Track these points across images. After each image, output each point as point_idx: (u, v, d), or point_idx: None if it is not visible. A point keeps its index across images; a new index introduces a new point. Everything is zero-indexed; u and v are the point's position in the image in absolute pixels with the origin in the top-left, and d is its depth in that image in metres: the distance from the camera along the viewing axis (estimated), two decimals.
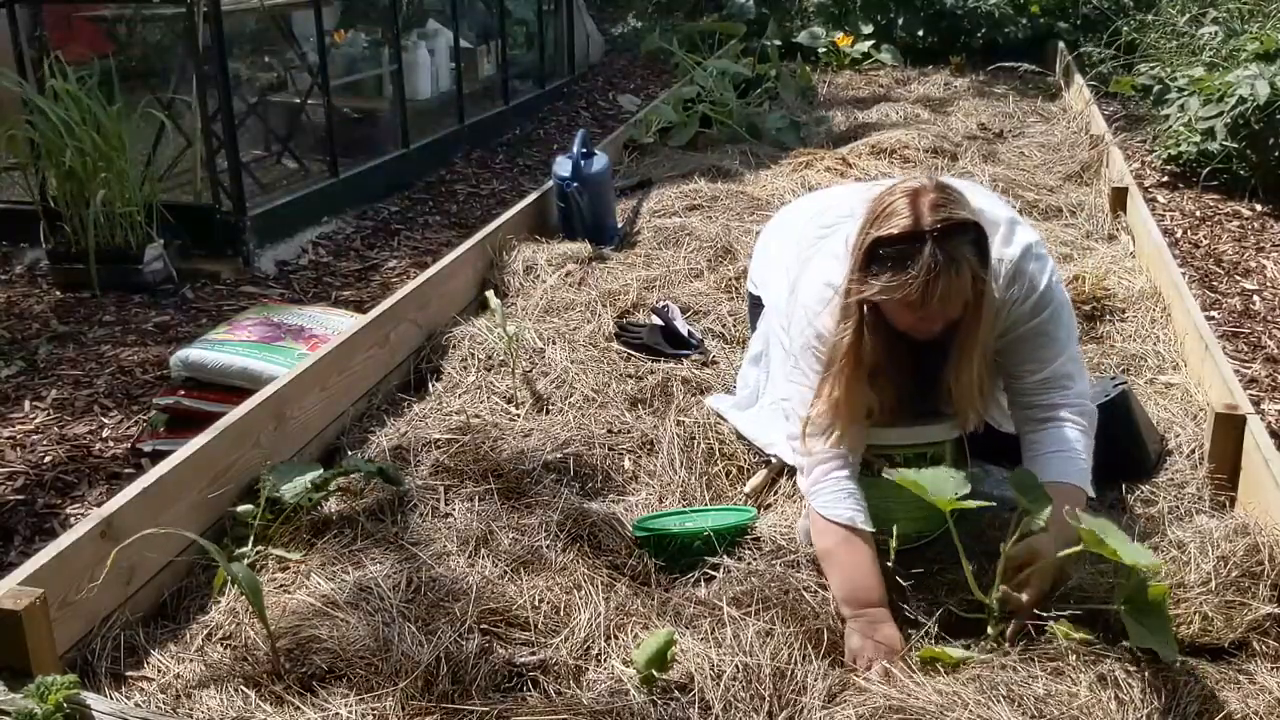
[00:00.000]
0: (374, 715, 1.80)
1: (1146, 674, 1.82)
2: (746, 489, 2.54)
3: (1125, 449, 2.51)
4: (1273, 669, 1.90)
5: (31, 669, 1.74)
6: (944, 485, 1.95)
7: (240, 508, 2.33)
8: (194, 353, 3.14)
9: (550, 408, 2.88)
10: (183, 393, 3.12)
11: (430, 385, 3.05)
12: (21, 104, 4.38)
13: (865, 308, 2.05)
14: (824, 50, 8.66)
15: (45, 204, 4.42)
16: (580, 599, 2.08)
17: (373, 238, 5.09)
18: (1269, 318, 3.96)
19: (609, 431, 2.72)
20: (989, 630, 1.98)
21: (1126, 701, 1.78)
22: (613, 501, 2.48)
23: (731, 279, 3.67)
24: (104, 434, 3.23)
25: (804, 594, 2.08)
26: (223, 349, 3.14)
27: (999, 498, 2.19)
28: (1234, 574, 2.01)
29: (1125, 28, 7.04)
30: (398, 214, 5.45)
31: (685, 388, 2.92)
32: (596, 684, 1.90)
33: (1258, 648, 1.94)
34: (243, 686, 1.87)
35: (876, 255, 1.97)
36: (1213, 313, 3.96)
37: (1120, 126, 6.01)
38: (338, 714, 1.80)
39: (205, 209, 4.57)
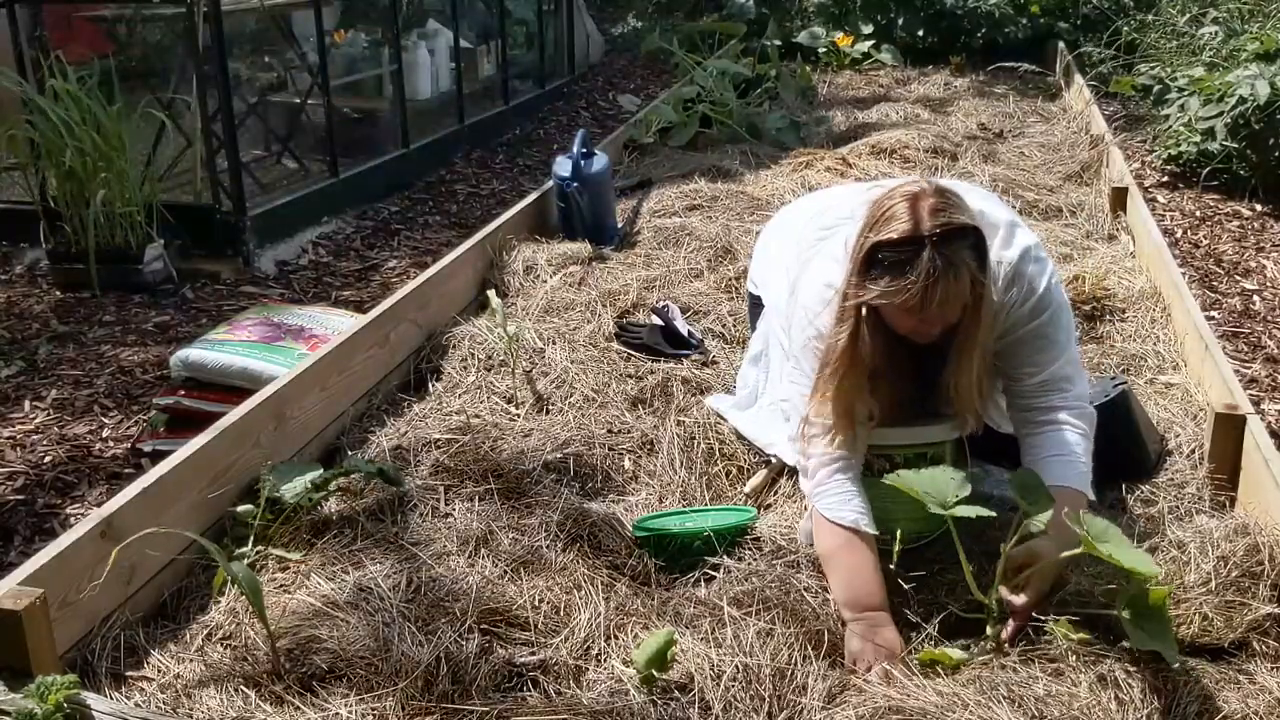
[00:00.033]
0: (374, 715, 1.80)
1: (1147, 674, 1.82)
2: (746, 489, 2.54)
3: (1125, 449, 2.51)
4: (1273, 669, 1.90)
5: (31, 669, 1.74)
6: (944, 486, 1.96)
7: (240, 508, 2.33)
8: (194, 353, 3.14)
9: (550, 408, 2.88)
10: (183, 393, 3.12)
11: (430, 385, 3.05)
12: (21, 104, 4.38)
13: (864, 311, 2.05)
14: (824, 50, 8.66)
15: (45, 204, 4.42)
16: (580, 599, 2.08)
17: (373, 238, 5.09)
18: (1269, 318, 3.96)
19: (609, 431, 2.72)
20: (988, 631, 1.98)
21: (1127, 702, 1.78)
22: (613, 501, 2.48)
23: (731, 279, 3.67)
24: (104, 434, 3.23)
25: (804, 595, 2.09)
26: (223, 349, 3.14)
27: (999, 498, 2.19)
28: (1234, 574, 2.01)
29: (1125, 28, 7.04)
30: (398, 214, 5.45)
31: (685, 388, 2.92)
32: (596, 684, 1.90)
33: (1258, 648, 1.94)
34: (243, 686, 1.87)
35: (875, 260, 1.97)
36: (1213, 313, 3.96)
37: (1120, 126, 6.01)
38: (338, 714, 1.80)
39: (205, 209, 4.57)
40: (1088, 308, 3.42)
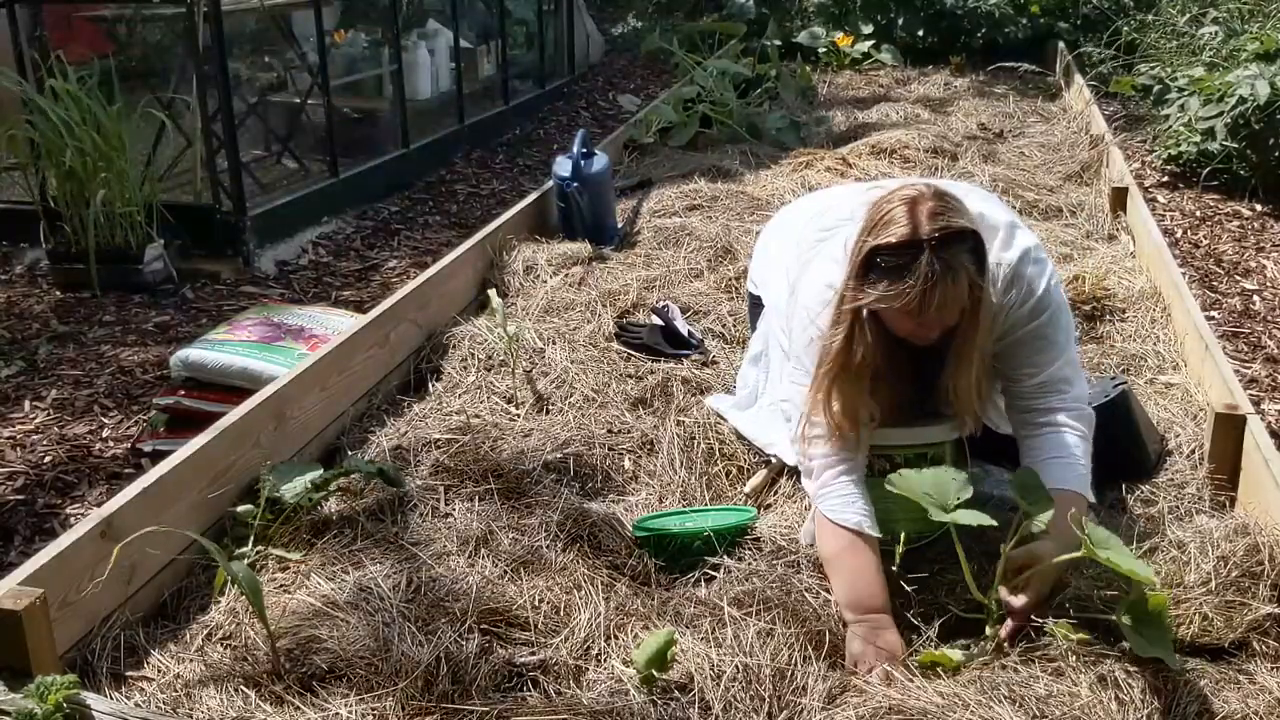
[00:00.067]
0: (374, 715, 1.80)
1: (1147, 674, 1.82)
2: (746, 489, 2.54)
3: (1125, 449, 2.51)
4: (1273, 669, 1.90)
5: (31, 669, 1.74)
6: (946, 488, 1.96)
7: (240, 508, 2.33)
8: (194, 353, 3.14)
9: (550, 408, 2.88)
10: (183, 393, 3.12)
11: (430, 385, 3.05)
12: (21, 104, 4.38)
13: (863, 314, 2.05)
14: (824, 50, 8.66)
15: (45, 204, 4.42)
16: (580, 599, 2.08)
17: (373, 238, 5.09)
18: (1269, 318, 3.96)
19: (609, 431, 2.72)
20: (987, 631, 1.98)
21: (1127, 702, 1.78)
22: (613, 501, 2.48)
23: (731, 279, 3.67)
24: (104, 434, 3.23)
25: (805, 595, 2.09)
26: (223, 349, 3.14)
27: (999, 498, 2.19)
28: (1234, 574, 2.01)
29: (1125, 28, 7.04)
30: (398, 214, 5.45)
31: (685, 388, 2.92)
32: (596, 684, 1.90)
33: (1258, 648, 1.94)
34: (243, 686, 1.87)
35: (874, 264, 1.97)
36: (1213, 313, 3.96)
37: (1120, 126, 6.01)
38: (338, 714, 1.80)
39: (205, 209, 4.57)
40: (1088, 308, 3.42)
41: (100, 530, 1.99)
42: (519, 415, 2.84)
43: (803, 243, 2.43)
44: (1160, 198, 5.30)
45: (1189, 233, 4.85)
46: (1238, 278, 4.34)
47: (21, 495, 2.90)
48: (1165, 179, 5.55)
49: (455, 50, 6.60)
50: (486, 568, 2.15)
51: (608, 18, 10.41)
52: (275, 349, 3.16)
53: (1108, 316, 3.41)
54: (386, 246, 4.97)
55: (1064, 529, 1.93)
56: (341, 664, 1.89)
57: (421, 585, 2.08)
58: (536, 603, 2.06)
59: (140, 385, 3.53)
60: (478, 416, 2.80)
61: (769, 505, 2.48)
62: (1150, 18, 7.26)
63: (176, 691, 1.87)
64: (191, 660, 1.96)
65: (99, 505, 2.21)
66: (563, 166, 4.19)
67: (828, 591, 2.11)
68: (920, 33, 8.67)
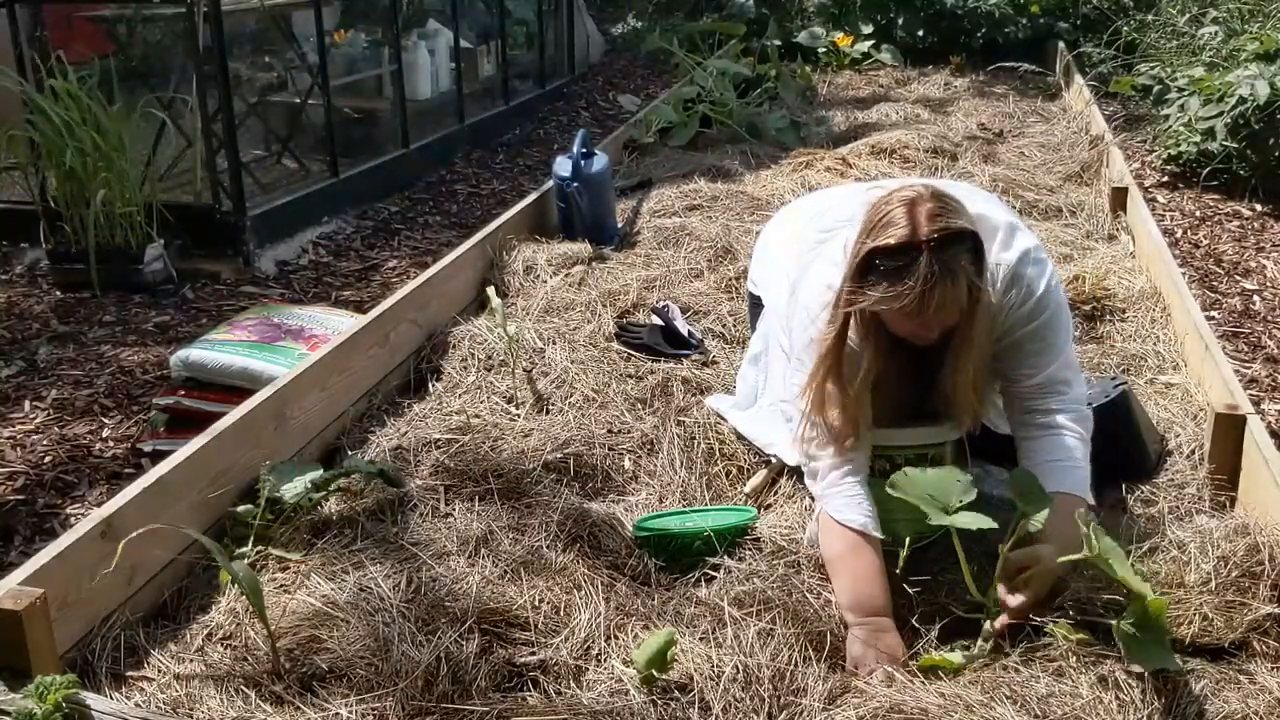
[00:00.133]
0: (374, 715, 1.80)
1: (1147, 674, 1.82)
2: (746, 489, 2.54)
3: (1125, 449, 2.51)
4: (1273, 669, 1.90)
5: (31, 669, 1.74)
6: (948, 489, 1.96)
7: (240, 508, 2.33)
8: (194, 353, 3.14)
9: (550, 408, 2.88)
10: (183, 393, 3.12)
11: (430, 385, 3.05)
12: (22, 104, 4.38)
13: (864, 314, 2.05)
14: (824, 50, 8.65)
15: (45, 204, 4.42)
16: (580, 599, 2.08)
17: (373, 238, 5.09)
18: (1269, 318, 3.96)
19: (609, 431, 2.72)
20: (984, 629, 1.98)
21: (1128, 702, 1.78)
22: (613, 501, 2.48)
23: (731, 279, 3.67)
24: (104, 434, 3.23)
25: (806, 596, 2.08)
26: (223, 349, 3.14)
27: (999, 498, 2.19)
28: (1234, 574, 2.00)
29: (1125, 28, 7.04)
30: (398, 214, 5.45)
31: (685, 388, 2.92)
32: (596, 684, 1.90)
33: (1258, 648, 1.94)
34: (243, 687, 1.87)
35: (873, 265, 1.96)
36: (1213, 313, 3.96)
37: (1120, 126, 6.01)
38: (338, 714, 1.80)
39: (205, 209, 4.57)
40: (1088, 308, 3.42)
41: (100, 530, 1.99)
42: (519, 415, 2.84)
43: (803, 243, 2.43)
44: (1160, 198, 5.30)
45: (1189, 233, 4.85)
46: (1238, 278, 4.34)
47: (21, 495, 2.90)
48: (1165, 179, 5.55)
49: (455, 50, 6.60)
50: (487, 568, 2.15)
51: (608, 18, 10.41)
52: (275, 349, 3.16)
53: (1108, 316, 3.41)
54: (386, 246, 4.97)
55: (1064, 531, 1.93)
56: (342, 664, 1.89)
57: (421, 585, 2.08)
58: (536, 603, 2.06)
59: (140, 385, 3.53)
60: (478, 416, 2.80)
61: (769, 505, 2.48)
62: (1150, 18, 7.26)
63: (176, 691, 1.87)
64: (192, 660, 1.96)
65: (99, 505, 2.21)
66: (563, 166, 4.19)
67: (829, 592, 2.11)
68: (920, 33, 8.67)
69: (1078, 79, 6.80)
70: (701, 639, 1.97)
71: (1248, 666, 1.90)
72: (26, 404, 3.41)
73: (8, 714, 1.63)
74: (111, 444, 3.17)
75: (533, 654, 1.96)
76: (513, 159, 6.55)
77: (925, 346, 2.10)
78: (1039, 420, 2.15)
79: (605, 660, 1.96)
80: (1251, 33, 5.81)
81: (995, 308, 2.10)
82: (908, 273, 1.91)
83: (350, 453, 2.65)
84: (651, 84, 8.53)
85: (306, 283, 4.50)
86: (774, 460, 2.56)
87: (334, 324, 3.36)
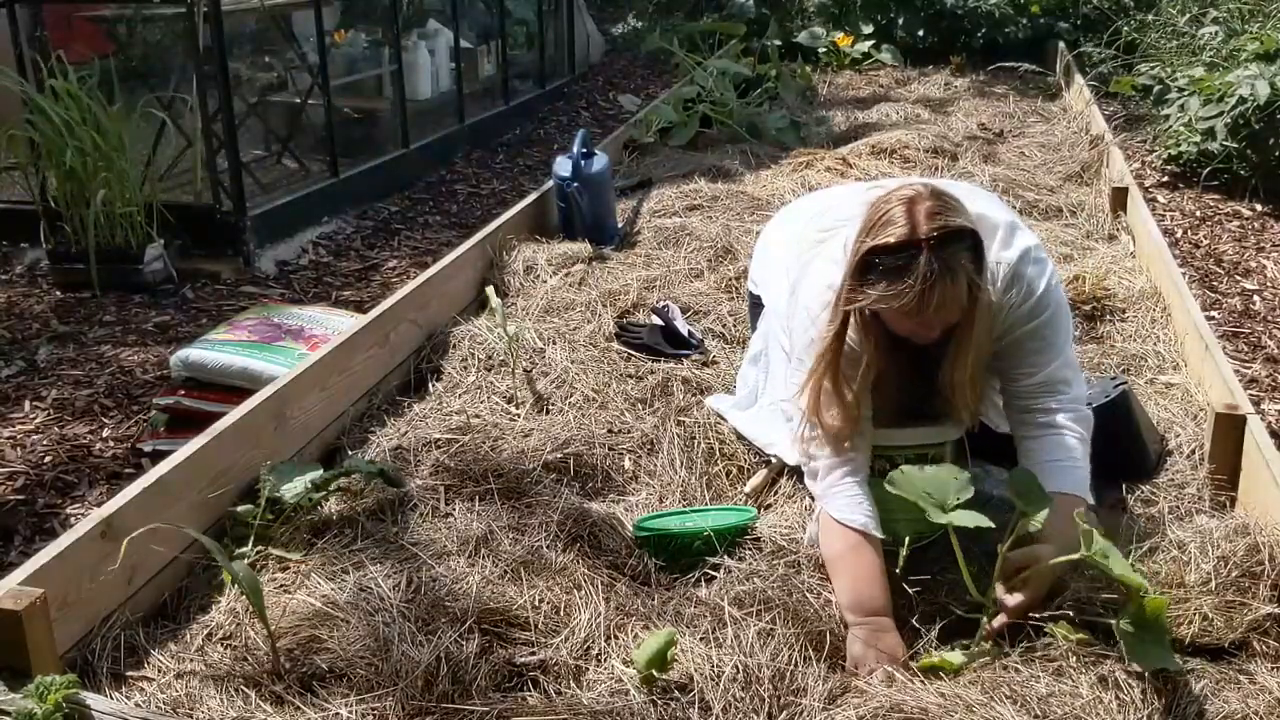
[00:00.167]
0: (374, 715, 1.80)
1: (1147, 674, 1.82)
2: (746, 489, 2.54)
3: (1125, 449, 2.51)
4: (1273, 669, 1.90)
5: (31, 669, 1.74)
6: (946, 487, 1.96)
7: (240, 508, 2.33)
8: (194, 353, 3.14)
9: (550, 408, 2.88)
10: (183, 393, 3.12)
11: (430, 385, 3.05)
12: (22, 104, 4.38)
13: (863, 314, 2.05)
14: (824, 50, 8.65)
15: (45, 204, 4.42)
16: (580, 599, 2.08)
17: (373, 238, 5.09)
18: (1269, 318, 3.96)
19: (609, 431, 2.72)
20: (981, 628, 1.98)
21: (1128, 702, 1.78)
22: (613, 501, 2.48)
23: (731, 279, 3.67)
24: (104, 434, 3.23)
25: (806, 595, 2.08)
26: (223, 349, 3.14)
27: (999, 498, 2.19)
28: (1234, 574, 2.01)
29: (1125, 28, 7.04)
30: (398, 214, 5.45)
31: (685, 388, 2.92)
32: (596, 684, 1.90)
33: (1258, 648, 1.94)
34: (243, 687, 1.87)
35: (872, 264, 1.96)
36: (1213, 313, 3.96)
37: (1120, 126, 6.01)
38: (338, 714, 1.80)
39: (205, 209, 4.57)
40: (1088, 308, 3.42)
41: (100, 530, 1.99)
42: (519, 415, 2.84)
43: (803, 243, 2.43)
44: (1160, 198, 5.30)
45: (1189, 233, 4.85)
46: (1238, 278, 4.34)
47: (21, 495, 2.90)
48: (1165, 179, 5.55)
49: (455, 50, 6.60)
50: (487, 568, 2.15)
51: (608, 18, 10.41)
52: (275, 349, 3.16)
53: (1108, 316, 3.41)
54: (387, 246, 4.97)
55: (1063, 531, 1.93)
56: (342, 664, 1.89)
57: (422, 585, 2.08)
58: (536, 603, 2.06)
59: (140, 385, 3.53)
60: (478, 416, 2.80)
61: (769, 505, 2.48)
62: (1150, 18, 7.26)
63: (176, 691, 1.87)
64: (192, 660, 1.96)
65: (99, 505, 2.21)
66: (563, 166, 4.19)
67: (829, 592, 2.11)
68: (920, 33, 8.67)
69: (1078, 79, 6.80)
70: (701, 639, 1.97)
71: (1248, 666, 1.90)
72: (26, 404, 3.41)
73: (8, 714, 1.63)
74: (111, 444, 3.17)
75: (533, 654, 1.96)
76: (513, 159, 6.55)
77: (926, 346, 2.10)
78: (1039, 420, 2.15)
79: (605, 660, 1.96)
80: (1251, 33, 5.81)
81: (995, 306, 2.10)
82: (907, 271, 1.91)
83: (350, 453, 2.65)
84: (651, 84, 8.53)
85: (306, 283, 4.50)
86: (774, 460, 2.56)
87: (334, 324, 3.36)
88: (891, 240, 1.93)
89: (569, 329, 3.27)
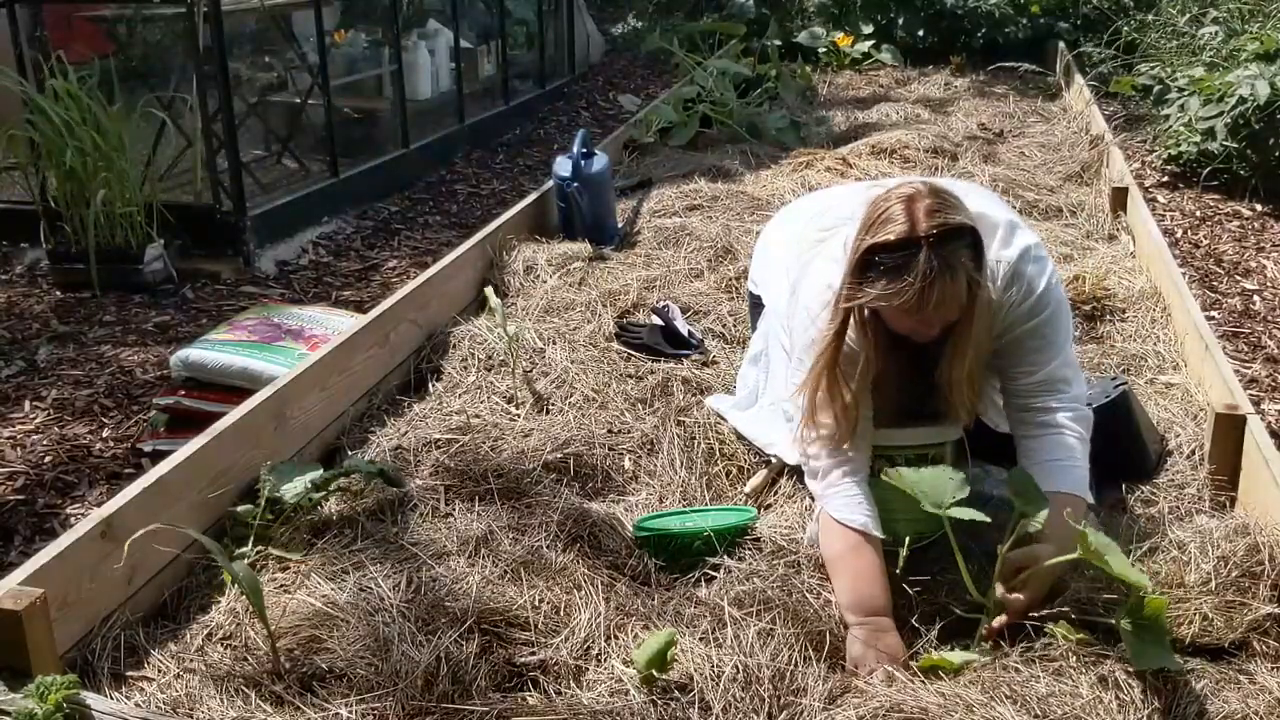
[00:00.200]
0: (374, 715, 1.80)
1: (1147, 674, 1.82)
2: (746, 489, 2.54)
3: (1125, 449, 2.51)
4: (1273, 669, 1.90)
5: (31, 669, 1.74)
6: (942, 486, 1.96)
7: (240, 508, 2.33)
8: (194, 353, 3.14)
9: (550, 408, 2.88)
10: (183, 393, 3.12)
11: (430, 385, 3.05)
12: (22, 104, 4.38)
13: (863, 312, 2.05)
14: (824, 50, 8.65)
15: (45, 204, 4.42)
16: (580, 599, 2.08)
17: (373, 238, 5.09)
18: (1269, 318, 3.96)
19: (609, 431, 2.72)
20: (982, 628, 1.98)
21: (1128, 702, 1.78)
22: (613, 501, 2.48)
23: (731, 279, 3.67)
24: (104, 434, 3.23)
25: (806, 596, 2.08)
26: (223, 349, 3.14)
27: (999, 498, 2.19)
28: (1234, 574, 2.01)
29: (1125, 28, 7.04)
30: (398, 214, 5.45)
31: (685, 388, 2.92)
32: (596, 684, 1.90)
33: (1258, 648, 1.94)
34: (243, 687, 1.86)
35: (872, 262, 1.96)
36: (1213, 313, 3.96)
37: (1120, 126, 6.01)
38: (338, 714, 1.80)
39: (205, 209, 4.57)
40: (1088, 308, 3.42)
41: (100, 530, 1.99)
42: (519, 415, 2.84)
43: (803, 243, 2.43)
44: (1160, 198, 5.30)
45: (1189, 233, 4.85)
46: (1238, 278, 4.34)
47: (21, 495, 2.90)
48: (1165, 179, 5.55)
49: (455, 50, 6.60)
50: (487, 568, 2.15)
51: (608, 18, 10.41)
52: (275, 349, 3.16)
53: (1108, 316, 3.41)
54: (386, 246, 4.97)
55: (1063, 531, 1.93)
56: (342, 664, 1.89)
57: (421, 586, 2.08)
58: (536, 603, 2.06)
59: (140, 385, 3.53)
60: (478, 416, 2.80)
61: (769, 505, 2.48)
62: (1150, 18, 7.26)
63: (176, 691, 1.87)
64: (192, 660, 1.96)
65: (99, 505, 2.21)
66: (563, 166, 4.19)
67: (829, 592, 2.11)
68: (920, 33, 8.67)
69: (1078, 79, 6.80)
70: (701, 639, 1.97)
71: (1248, 666, 1.90)
72: (26, 404, 3.41)
73: (8, 714, 1.63)
74: (111, 444, 3.17)
75: (533, 654, 1.96)
76: (513, 159, 6.55)
77: (925, 346, 2.10)
78: (1038, 419, 2.15)
79: (605, 660, 1.96)
80: (1251, 33, 5.81)
81: (995, 305, 2.10)
82: (907, 269, 1.91)
83: (350, 453, 2.65)
84: (651, 84, 8.53)
85: (306, 283, 4.50)
86: (774, 460, 2.56)
87: (334, 324, 3.36)
88: (891, 238, 1.93)
89: (569, 329, 3.27)
